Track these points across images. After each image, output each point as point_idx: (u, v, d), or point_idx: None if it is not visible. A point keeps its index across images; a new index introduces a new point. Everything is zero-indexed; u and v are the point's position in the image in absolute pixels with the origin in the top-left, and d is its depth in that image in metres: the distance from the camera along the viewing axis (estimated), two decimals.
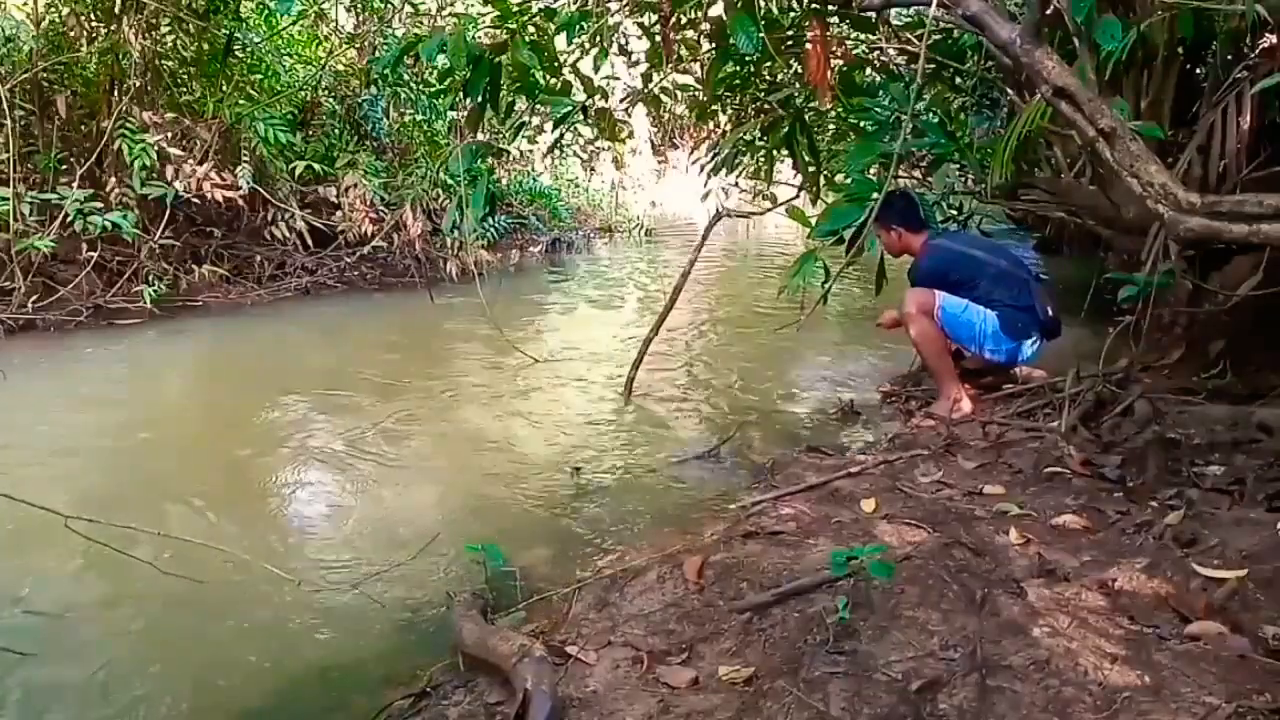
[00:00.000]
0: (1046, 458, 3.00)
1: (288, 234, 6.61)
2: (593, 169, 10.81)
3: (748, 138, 4.52)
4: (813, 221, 3.39)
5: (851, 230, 3.18)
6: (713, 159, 4.86)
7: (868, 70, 4.63)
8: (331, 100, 7.08)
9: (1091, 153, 2.49)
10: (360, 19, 7.22)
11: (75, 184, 5.42)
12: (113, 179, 5.70)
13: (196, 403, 4.41)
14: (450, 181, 5.98)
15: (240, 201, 6.14)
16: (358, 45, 7.19)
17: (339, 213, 6.73)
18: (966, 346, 3.80)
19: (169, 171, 5.72)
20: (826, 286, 3.12)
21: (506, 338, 4.87)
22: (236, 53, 6.28)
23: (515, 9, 3.48)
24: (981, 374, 4.02)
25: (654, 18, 3.84)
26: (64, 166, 5.70)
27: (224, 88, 6.30)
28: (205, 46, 6.21)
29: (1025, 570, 2.25)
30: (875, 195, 2.94)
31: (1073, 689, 1.73)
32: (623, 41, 5.90)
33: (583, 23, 3.53)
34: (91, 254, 5.57)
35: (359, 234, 6.64)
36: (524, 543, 2.81)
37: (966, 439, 3.33)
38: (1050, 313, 3.70)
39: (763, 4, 3.22)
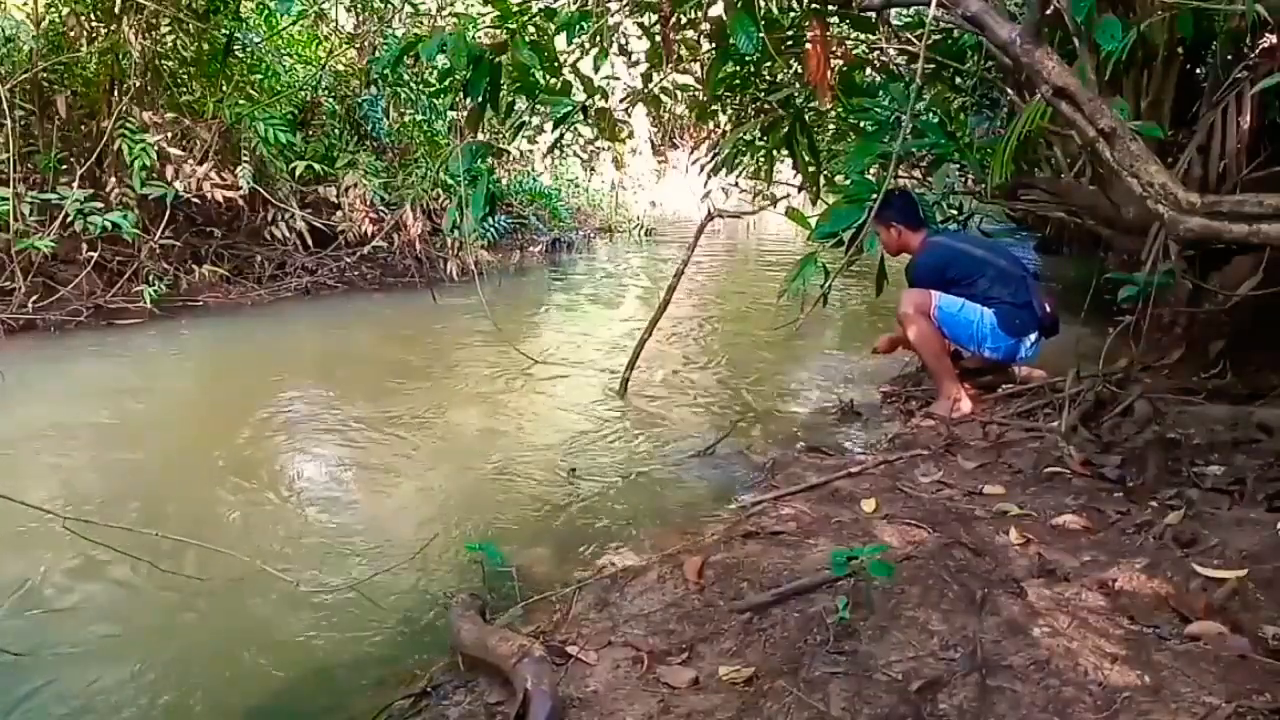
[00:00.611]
0: (1046, 458, 3.00)
1: (288, 234, 6.61)
2: (593, 169, 10.81)
3: (748, 138, 4.52)
4: (812, 222, 3.39)
5: (851, 231, 3.18)
6: (713, 159, 4.87)
7: (868, 70, 4.63)
8: (331, 100, 7.08)
9: (1091, 153, 2.49)
10: (360, 19, 7.22)
11: (75, 184, 5.42)
12: (113, 179, 5.70)
13: (196, 403, 4.40)
14: (450, 181, 5.98)
15: (240, 201, 6.15)
16: (358, 45, 7.19)
17: (339, 213, 6.73)
18: (965, 345, 3.80)
19: (169, 171, 5.73)
20: (825, 287, 3.12)
21: (506, 337, 4.86)
22: (236, 53, 6.28)
23: (515, 9, 3.48)
24: (981, 373, 4.02)
25: (654, 18, 3.84)
26: (64, 166, 5.69)
27: (224, 88, 6.29)
28: (205, 46, 6.21)
29: (1025, 570, 2.25)
30: (875, 196, 2.93)
31: (1073, 689, 1.73)
32: (623, 41, 5.90)
33: (583, 23, 3.53)
34: (91, 254, 5.56)
35: (359, 234, 6.64)
36: (523, 542, 2.81)
37: (966, 439, 3.33)
38: (1048, 310, 3.70)
39: (763, 4, 3.22)
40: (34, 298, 5.33)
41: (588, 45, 3.64)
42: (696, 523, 2.87)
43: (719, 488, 3.22)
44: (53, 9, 5.76)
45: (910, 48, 4.58)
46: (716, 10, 3.66)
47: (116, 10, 5.65)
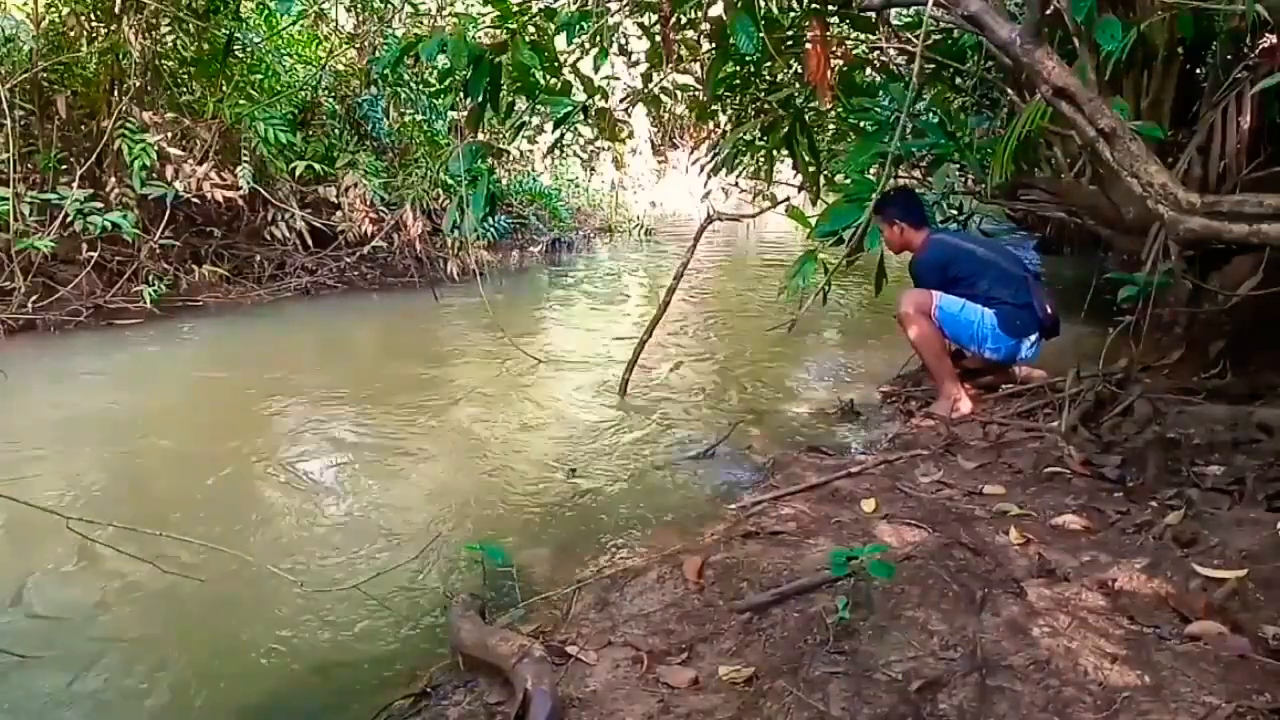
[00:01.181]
0: (1046, 458, 3.00)
1: (288, 234, 6.61)
2: (593, 169, 10.80)
3: (748, 138, 4.52)
4: (812, 222, 3.39)
5: (851, 230, 3.18)
6: (713, 159, 4.87)
7: (868, 70, 4.63)
8: (331, 100, 7.08)
9: (1091, 153, 2.49)
10: (360, 19, 7.21)
11: (75, 184, 5.42)
12: (113, 179, 5.69)
13: (196, 403, 4.40)
14: (450, 181, 5.98)
15: (240, 201, 6.14)
16: (358, 45, 7.19)
17: (339, 213, 6.73)
18: (966, 346, 3.80)
19: (169, 171, 5.72)
20: (824, 286, 3.12)
21: (506, 337, 4.87)
22: (236, 53, 6.28)
23: (515, 9, 3.48)
24: (981, 373, 4.02)
25: (654, 18, 3.84)
26: (64, 166, 5.69)
27: (224, 88, 6.29)
28: (205, 46, 6.20)
29: (1025, 570, 2.25)
30: (875, 196, 2.94)
31: (1073, 689, 1.73)
32: (623, 41, 5.90)
33: (583, 23, 3.53)
34: (91, 254, 5.56)
35: (359, 234, 6.64)
36: (523, 542, 2.81)
37: (966, 439, 3.33)
38: (1049, 311, 3.70)
39: (763, 4, 3.22)
40: (34, 298, 5.33)
41: (588, 45, 3.64)
42: (696, 523, 2.87)
43: (719, 488, 3.22)
44: (53, 9, 5.75)
45: (910, 48, 4.58)
46: (716, 10, 3.67)
47: (116, 10, 5.65)
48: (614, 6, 3.62)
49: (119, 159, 5.62)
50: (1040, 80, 2.16)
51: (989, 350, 3.73)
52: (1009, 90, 4.23)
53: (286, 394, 4.31)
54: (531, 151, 8.94)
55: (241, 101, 6.20)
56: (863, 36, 4.68)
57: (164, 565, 2.40)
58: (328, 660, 2.23)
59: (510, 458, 3.54)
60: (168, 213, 5.83)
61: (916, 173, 5.17)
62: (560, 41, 3.66)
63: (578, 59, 3.78)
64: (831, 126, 4.89)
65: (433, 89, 6.85)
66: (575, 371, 4.75)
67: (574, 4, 3.62)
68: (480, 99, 3.37)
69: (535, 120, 5.25)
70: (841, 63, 3.68)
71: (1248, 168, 3.44)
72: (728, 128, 5.30)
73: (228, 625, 2.39)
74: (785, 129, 3.85)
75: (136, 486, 3.31)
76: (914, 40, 4.43)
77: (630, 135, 8.43)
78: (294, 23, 6.86)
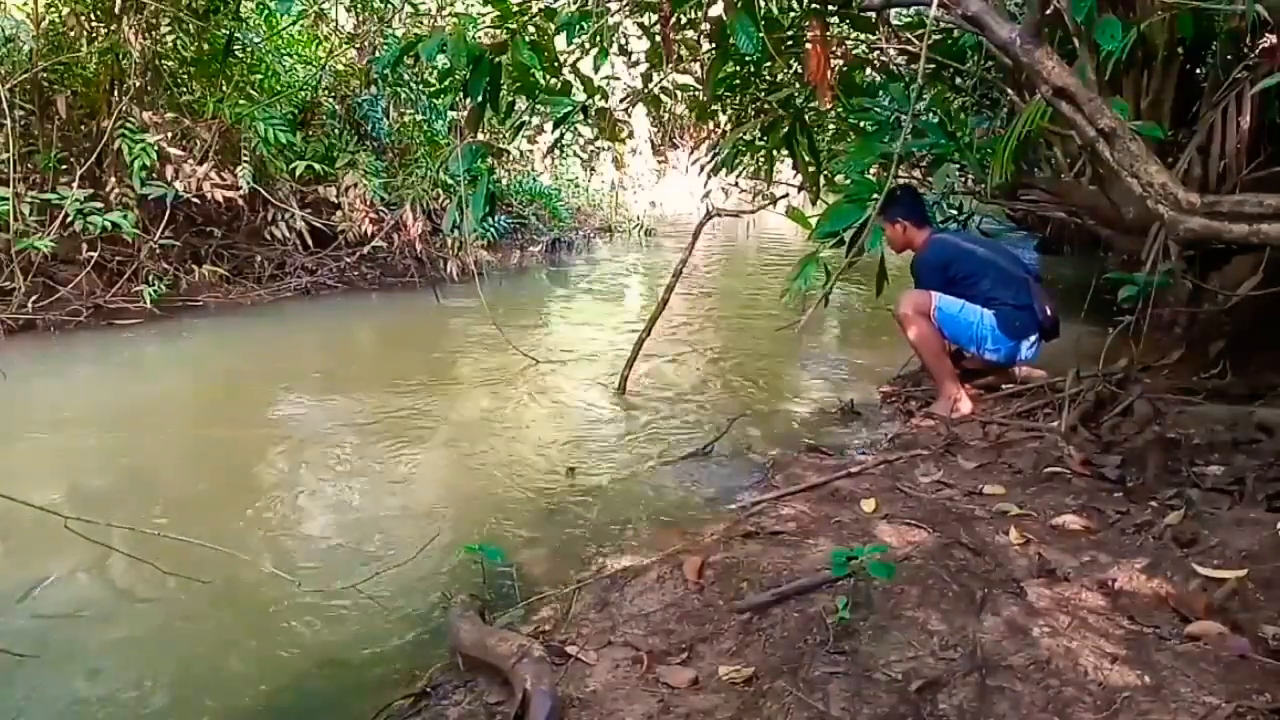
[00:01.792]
0: (1046, 458, 3.00)
1: (288, 234, 6.61)
2: (593, 169, 10.80)
3: (748, 138, 4.52)
4: (812, 222, 3.38)
5: (851, 231, 3.18)
6: (713, 159, 4.87)
7: (868, 70, 4.63)
8: (331, 100, 7.07)
9: (1091, 153, 2.49)
10: (360, 19, 7.21)
11: (75, 184, 5.42)
12: (113, 179, 5.69)
13: (196, 403, 4.40)
14: (450, 181, 5.99)
15: (240, 201, 6.14)
16: (358, 45, 7.19)
17: (339, 213, 6.73)
18: (965, 347, 3.80)
19: (169, 171, 5.72)
20: (826, 288, 3.12)
21: (506, 337, 4.87)
22: (236, 53, 6.28)
23: (515, 9, 3.48)
24: (981, 374, 4.02)
25: (654, 18, 3.84)
26: (64, 166, 5.69)
27: (224, 88, 6.29)
28: (205, 46, 6.20)
29: (1025, 570, 2.25)
30: (875, 196, 2.94)
31: (1073, 689, 1.73)
32: (623, 41, 5.90)
33: (583, 23, 3.52)
34: (91, 254, 5.56)
35: (359, 234, 6.64)
36: (523, 542, 2.81)
37: (966, 439, 3.33)
38: (1049, 313, 3.71)
39: (763, 4, 3.22)
40: (34, 298, 5.33)
41: (588, 45, 3.64)
42: (696, 523, 2.87)
43: (719, 487, 3.22)
44: (53, 9, 5.75)
45: (910, 48, 4.58)
46: (716, 10, 3.66)
47: (116, 10, 5.65)
48: (614, 6, 3.62)
49: (119, 159, 5.62)
50: (1040, 80, 2.16)
51: (988, 352, 3.73)
52: (1009, 90, 4.23)
53: (286, 394, 4.31)
54: (531, 151, 8.94)
55: (241, 101, 6.20)
56: (863, 36, 4.68)
57: (163, 565, 2.40)
58: (328, 660, 2.23)
59: (510, 457, 3.54)
60: (168, 213, 5.83)
61: (916, 173, 5.17)
62: (560, 41, 3.66)
63: (578, 59, 3.78)
64: (831, 126, 4.89)
65: (433, 89, 6.85)
66: (575, 371, 4.75)
67: (574, 4, 3.62)
68: (480, 99, 3.37)
69: (535, 120, 5.25)
70: (841, 63, 3.68)
71: (1248, 168, 3.44)
72: (728, 128, 5.30)
73: (227, 625, 2.39)
74: (785, 129, 3.85)
75: (136, 487, 3.30)
76: (914, 40, 4.44)
77: (630, 135, 8.43)
78: (294, 23, 6.86)
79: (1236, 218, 2.00)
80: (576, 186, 10.49)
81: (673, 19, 3.55)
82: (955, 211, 6.01)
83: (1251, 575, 2.05)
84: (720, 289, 7.41)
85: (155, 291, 5.60)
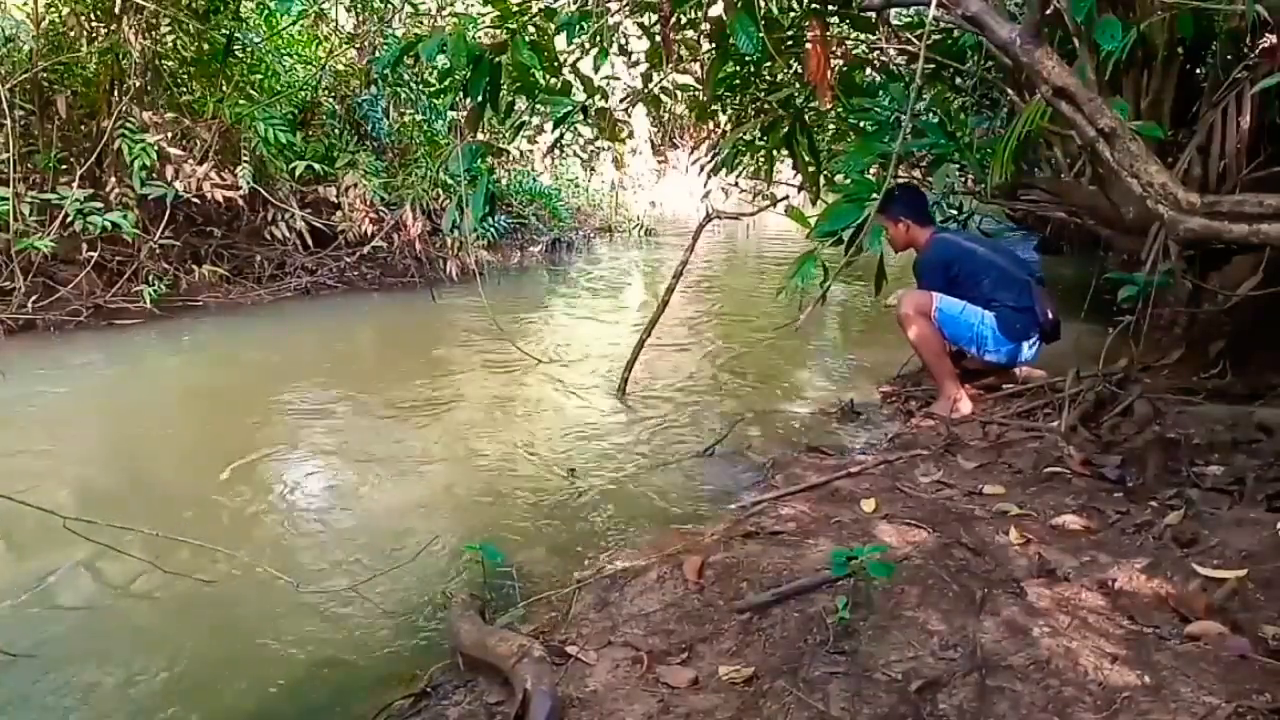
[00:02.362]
0: (1046, 458, 3.00)
1: (288, 234, 6.61)
2: (593, 169, 10.80)
3: (748, 138, 4.52)
4: (812, 222, 3.38)
5: (851, 230, 3.18)
6: (713, 159, 4.86)
7: (868, 70, 4.63)
8: (331, 100, 7.08)
9: (1091, 153, 2.49)
10: (360, 19, 7.22)
11: (75, 184, 5.42)
12: (113, 179, 5.69)
13: (196, 403, 4.40)
14: (450, 181, 5.98)
15: (240, 201, 6.14)
16: (358, 45, 7.19)
17: (339, 213, 6.73)
18: (966, 348, 3.80)
19: (169, 171, 5.72)
20: (825, 286, 3.12)
21: (507, 337, 4.87)
22: (236, 53, 6.28)
23: (515, 9, 3.48)
24: (981, 374, 4.02)
25: (654, 18, 3.84)
26: (64, 166, 5.69)
27: (224, 88, 6.29)
28: (205, 46, 6.21)
29: (1025, 570, 2.25)
30: (875, 196, 2.93)
31: (1073, 689, 1.73)
32: (623, 41, 5.90)
33: (583, 23, 3.52)
34: (91, 254, 5.56)
35: (359, 234, 6.64)
36: (523, 542, 2.81)
37: (966, 439, 3.33)
38: (1050, 315, 3.71)
39: (763, 4, 3.21)
40: (34, 298, 5.33)
41: (588, 45, 3.64)
42: (696, 523, 2.87)
43: (719, 488, 3.22)
44: (53, 9, 5.76)
45: (910, 48, 4.58)
46: (716, 10, 3.66)
47: (116, 10, 5.65)
48: (614, 6, 3.62)
49: (119, 159, 5.62)
50: (1040, 80, 2.16)
51: (989, 353, 3.74)
52: (1009, 90, 4.22)
53: (286, 394, 4.31)
54: (531, 151, 8.94)
55: (241, 101, 6.20)
56: (863, 36, 4.68)
57: (163, 566, 2.40)
58: (328, 660, 2.23)
59: (510, 457, 3.54)
60: (168, 213, 5.83)
61: (916, 172, 5.17)
62: (560, 41, 3.65)
63: (578, 59, 3.78)
64: (831, 126, 4.89)
65: (433, 89, 6.85)
66: (575, 371, 4.74)
67: (574, 4, 3.62)
68: (480, 99, 3.37)
69: (535, 120, 5.25)
70: (841, 63, 3.68)
71: (1248, 168, 3.43)
72: (728, 128, 5.29)
73: (226, 625, 2.39)
74: (785, 129, 3.85)
75: (135, 487, 3.30)
76: (914, 40, 4.44)
77: (630, 135, 8.43)
78: (294, 23, 6.86)
79: (1236, 218, 1.99)
80: (576, 186, 10.49)
81: (673, 19, 3.54)
82: (955, 211, 6.01)
83: (1251, 575, 2.05)
84: (721, 289, 7.41)
85: (155, 291, 5.60)
